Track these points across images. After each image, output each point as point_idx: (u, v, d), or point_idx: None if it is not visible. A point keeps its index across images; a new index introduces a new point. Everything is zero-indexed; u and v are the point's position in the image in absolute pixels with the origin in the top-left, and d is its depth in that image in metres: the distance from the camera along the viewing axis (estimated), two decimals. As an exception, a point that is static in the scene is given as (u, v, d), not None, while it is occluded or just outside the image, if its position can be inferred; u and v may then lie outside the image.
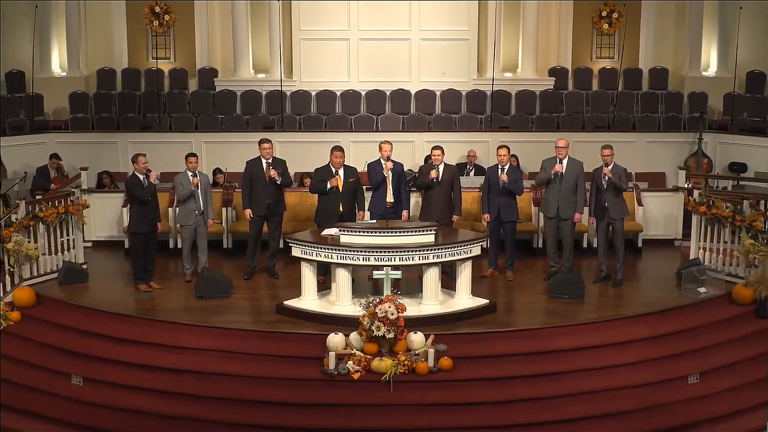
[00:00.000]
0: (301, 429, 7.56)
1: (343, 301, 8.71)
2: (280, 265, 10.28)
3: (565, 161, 9.81)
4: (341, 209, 9.77)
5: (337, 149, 9.95)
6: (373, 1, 14.91)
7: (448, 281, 9.24)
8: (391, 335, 7.94)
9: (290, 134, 13.69)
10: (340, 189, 9.81)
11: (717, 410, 7.86)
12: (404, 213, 10.01)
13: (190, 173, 9.88)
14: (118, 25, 15.45)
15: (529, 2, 14.96)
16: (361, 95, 14.82)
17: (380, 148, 9.95)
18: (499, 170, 9.96)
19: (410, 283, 9.11)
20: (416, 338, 8.02)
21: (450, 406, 7.69)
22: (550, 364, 8.08)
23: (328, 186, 9.78)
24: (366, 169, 10.12)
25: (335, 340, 8.00)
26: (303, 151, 12.66)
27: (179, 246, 10.48)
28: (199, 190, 9.89)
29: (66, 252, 10.27)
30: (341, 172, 9.85)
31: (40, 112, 14.49)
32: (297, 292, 9.04)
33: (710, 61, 15.30)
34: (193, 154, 10.09)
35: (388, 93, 14.79)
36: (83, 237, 10.70)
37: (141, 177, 9.58)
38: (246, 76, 15.08)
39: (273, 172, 9.88)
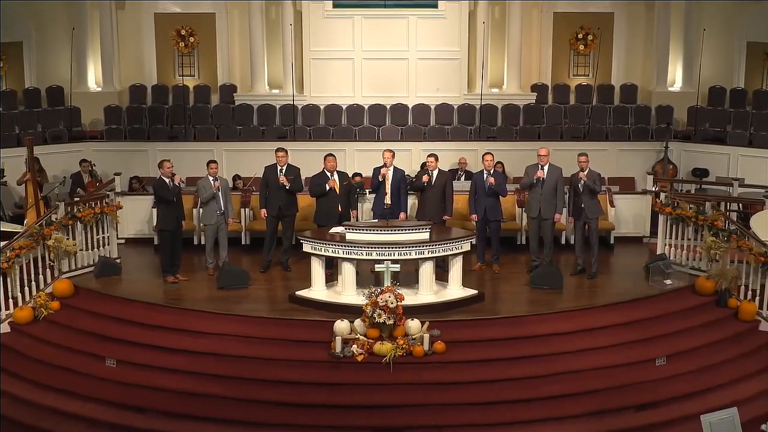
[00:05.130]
0: (311, 405, 7.55)
1: (348, 292, 8.71)
2: (292, 260, 10.27)
3: (546, 167, 9.81)
4: (339, 209, 9.79)
5: (330, 155, 10.01)
6: (375, 25, 14.93)
7: (442, 274, 9.25)
8: (391, 322, 7.95)
9: (301, 143, 13.69)
10: (337, 190, 9.82)
11: (682, 389, 7.85)
12: (401, 215, 9.99)
13: (211, 178, 9.88)
14: (147, 45, 15.48)
15: (513, 26, 14.99)
16: (364, 108, 14.82)
17: (383, 156, 9.98)
18: (485, 174, 9.98)
19: (408, 275, 9.09)
20: (413, 324, 8.03)
21: (443, 385, 7.69)
22: (532, 348, 8.08)
23: (327, 188, 9.80)
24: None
25: (341, 326, 8.00)
26: (313, 159, 12.59)
27: (203, 242, 10.48)
28: (220, 193, 9.90)
29: (101, 248, 10.29)
30: (335, 176, 9.88)
31: (77, 123, 14.49)
32: (307, 283, 9.04)
33: (676, 77, 15.30)
34: (214, 161, 10.11)
35: (388, 107, 14.80)
36: (117, 234, 10.70)
37: (166, 180, 9.60)
38: (262, 91, 15.09)
39: (282, 178, 9.89)
